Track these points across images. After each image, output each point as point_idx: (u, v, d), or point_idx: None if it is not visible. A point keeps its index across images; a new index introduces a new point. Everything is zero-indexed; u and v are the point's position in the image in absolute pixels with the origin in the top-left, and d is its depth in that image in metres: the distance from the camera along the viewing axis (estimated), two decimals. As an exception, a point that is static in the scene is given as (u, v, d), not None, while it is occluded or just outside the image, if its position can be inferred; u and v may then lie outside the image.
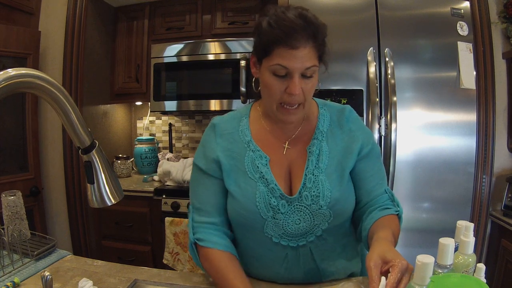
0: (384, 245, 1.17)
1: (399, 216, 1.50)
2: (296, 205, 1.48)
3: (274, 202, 1.47)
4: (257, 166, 1.51)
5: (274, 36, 1.34)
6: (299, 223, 1.48)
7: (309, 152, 1.54)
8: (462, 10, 2.75)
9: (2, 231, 1.72)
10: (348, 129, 1.59)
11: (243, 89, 3.52)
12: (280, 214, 1.47)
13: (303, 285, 1.54)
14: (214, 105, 3.75)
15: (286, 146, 1.57)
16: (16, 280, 1.50)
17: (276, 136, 1.58)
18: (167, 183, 3.79)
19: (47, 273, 1.29)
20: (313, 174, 1.49)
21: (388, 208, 1.50)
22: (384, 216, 1.45)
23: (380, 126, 2.70)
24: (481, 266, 1.10)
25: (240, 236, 1.60)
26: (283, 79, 1.37)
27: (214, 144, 1.57)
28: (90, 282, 1.36)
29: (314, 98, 1.67)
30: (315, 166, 1.51)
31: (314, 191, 1.47)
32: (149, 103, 4.03)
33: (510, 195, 2.93)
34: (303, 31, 1.33)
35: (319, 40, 1.40)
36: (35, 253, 1.73)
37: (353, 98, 2.76)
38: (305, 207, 1.47)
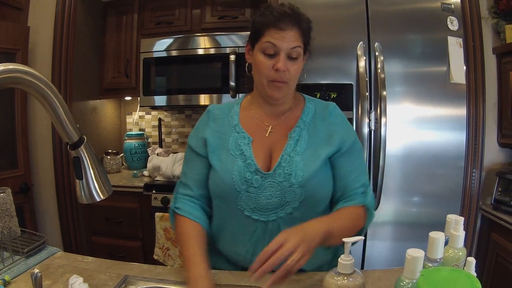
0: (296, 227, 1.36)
1: (367, 208, 1.62)
2: (269, 181, 1.60)
3: (248, 176, 1.60)
4: (239, 145, 1.66)
5: (266, 20, 1.56)
6: (271, 198, 1.59)
7: (290, 137, 1.67)
8: (453, 5, 2.75)
9: (-9, 228, 1.71)
10: (330, 122, 1.71)
11: (232, 83, 3.51)
12: (253, 188, 1.60)
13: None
14: (204, 99, 3.74)
15: (270, 130, 1.71)
16: (7, 277, 1.49)
17: (262, 121, 1.73)
18: (157, 178, 3.79)
19: (36, 270, 1.28)
20: (289, 156, 1.62)
21: (352, 200, 1.62)
22: (344, 207, 1.60)
23: (369, 120, 2.70)
24: (471, 260, 1.10)
25: (216, 208, 1.74)
26: (271, 58, 1.56)
27: (205, 126, 1.75)
28: (81, 279, 1.36)
29: (302, 94, 1.86)
30: (292, 149, 1.64)
31: (287, 169, 1.59)
32: (139, 98, 4.03)
33: (500, 189, 2.95)
34: (290, 17, 1.55)
35: (304, 28, 1.60)
36: (25, 250, 1.72)
37: (342, 92, 2.76)
38: (277, 183, 1.59)
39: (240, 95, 1.80)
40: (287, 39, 1.53)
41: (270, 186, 1.59)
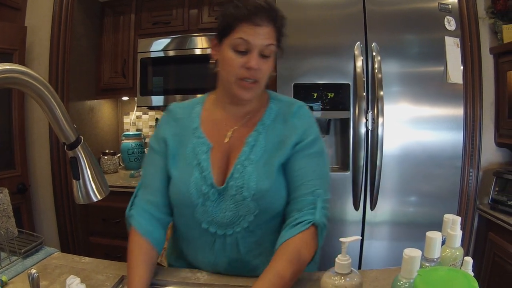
0: None
1: (317, 225, 1.45)
2: (223, 194, 1.52)
3: (205, 189, 1.51)
4: (197, 154, 1.56)
5: (239, 13, 1.43)
6: (225, 212, 1.52)
7: (246, 142, 1.57)
8: (450, 5, 2.75)
9: (-11, 228, 1.71)
10: (291, 124, 1.60)
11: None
12: (210, 201, 1.52)
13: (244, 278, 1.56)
14: (201, 100, 3.73)
15: (230, 134, 1.60)
16: (4, 278, 1.49)
17: (224, 124, 1.63)
18: (154, 179, 3.77)
19: (33, 271, 1.28)
20: (242, 165, 1.52)
21: (300, 223, 1.45)
22: (292, 237, 1.41)
23: (366, 120, 2.70)
24: (469, 259, 1.10)
25: (176, 218, 1.67)
26: (242, 55, 1.45)
27: (166, 126, 1.66)
28: (78, 279, 1.35)
29: (268, 91, 1.73)
30: (246, 157, 1.54)
31: (239, 182, 1.50)
32: (136, 98, 4.02)
33: (497, 189, 2.95)
34: (266, 12, 1.43)
35: (278, 24, 1.49)
36: (23, 251, 1.72)
37: (340, 92, 2.76)
38: (230, 197, 1.51)
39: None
40: (261, 36, 1.43)
41: (224, 199, 1.52)
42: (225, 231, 1.54)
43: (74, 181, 1.03)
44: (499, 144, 3.15)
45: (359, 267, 2.81)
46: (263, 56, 1.47)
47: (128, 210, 1.59)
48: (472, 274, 1.04)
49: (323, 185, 1.55)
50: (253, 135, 1.57)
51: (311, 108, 2.78)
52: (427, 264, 1.05)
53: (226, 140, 1.60)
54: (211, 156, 1.56)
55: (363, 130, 2.69)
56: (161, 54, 3.82)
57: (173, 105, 1.73)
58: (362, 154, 2.70)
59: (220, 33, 1.52)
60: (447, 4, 2.75)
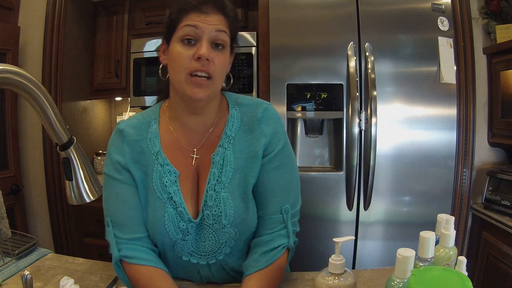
0: None
1: (289, 247, 1.44)
2: (201, 224, 1.42)
3: (183, 225, 1.40)
4: (165, 185, 1.41)
5: (184, 6, 1.33)
6: (205, 241, 1.43)
7: (213, 162, 1.44)
8: (443, 6, 2.76)
9: (-18, 229, 1.70)
10: (259, 133, 1.47)
11: (224, 84, 3.49)
12: (189, 235, 1.42)
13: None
14: (195, 100, 3.71)
15: (195, 156, 1.47)
16: (-3, 279, 1.49)
17: (185, 143, 1.48)
18: (148, 179, 3.75)
19: (27, 272, 1.28)
20: (214, 190, 1.41)
21: (275, 248, 1.41)
22: (264, 268, 1.37)
23: (360, 120, 2.70)
24: (462, 259, 1.11)
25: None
26: (191, 47, 1.32)
27: (122, 153, 1.44)
28: (72, 280, 1.35)
29: (226, 94, 1.62)
30: (217, 180, 1.42)
31: (215, 210, 1.40)
32: (129, 99, 4.00)
33: (490, 188, 2.96)
34: (214, 2, 1.34)
35: (229, 14, 1.38)
36: (16, 252, 1.72)
37: (333, 92, 2.77)
38: (208, 226, 1.41)
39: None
40: (210, 21, 1.31)
41: (202, 229, 1.42)
42: (208, 260, 1.46)
43: (67, 181, 1.03)
44: (492, 144, 3.16)
45: (353, 267, 2.81)
46: (215, 47, 1.34)
47: (117, 252, 1.39)
48: (466, 273, 1.04)
49: (291, 197, 1.48)
50: (219, 152, 1.44)
51: (304, 108, 2.79)
52: (421, 264, 1.05)
53: (193, 163, 1.47)
54: (180, 186, 1.43)
55: (356, 130, 2.70)
56: (155, 54, 3.80)
57: (123, 125, 1.49)
58: (356, 154, 2.70)
59: (167, 32, 1.40)
60: (440, 5, 2.75)
